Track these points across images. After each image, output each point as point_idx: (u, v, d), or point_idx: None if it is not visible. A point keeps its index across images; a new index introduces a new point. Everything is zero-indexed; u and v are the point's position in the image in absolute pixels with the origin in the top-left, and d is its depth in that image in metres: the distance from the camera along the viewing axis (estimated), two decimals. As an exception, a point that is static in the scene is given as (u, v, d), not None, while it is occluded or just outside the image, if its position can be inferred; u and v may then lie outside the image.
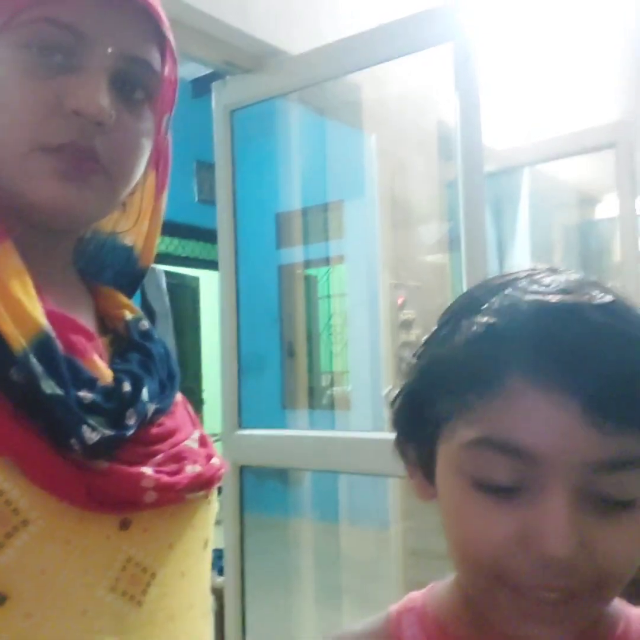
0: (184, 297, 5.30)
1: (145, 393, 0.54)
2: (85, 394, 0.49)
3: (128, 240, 0.64)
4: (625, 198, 2.36)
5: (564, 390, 0.41)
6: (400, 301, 2.29)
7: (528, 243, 2.94)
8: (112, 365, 0.55)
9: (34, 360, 0.47)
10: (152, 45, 0.55)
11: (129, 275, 0.65)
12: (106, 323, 0.61)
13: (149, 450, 0.53)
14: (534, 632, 0.44)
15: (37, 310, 0.49)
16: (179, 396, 0.63)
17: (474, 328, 0.45)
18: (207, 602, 0.60)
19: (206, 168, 4.55)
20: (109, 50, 0.51)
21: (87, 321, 0.58)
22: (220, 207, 1.93)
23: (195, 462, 0.56)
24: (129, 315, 0.61)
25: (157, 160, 0.61)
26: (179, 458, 0.55)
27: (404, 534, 2.32)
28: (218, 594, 1.86)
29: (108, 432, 0.49)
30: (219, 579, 1.84)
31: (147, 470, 0.51)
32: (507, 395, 0.42)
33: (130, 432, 0.51)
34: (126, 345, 0.59)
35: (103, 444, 0.48)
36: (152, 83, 0.55)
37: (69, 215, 0.53)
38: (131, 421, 0.51)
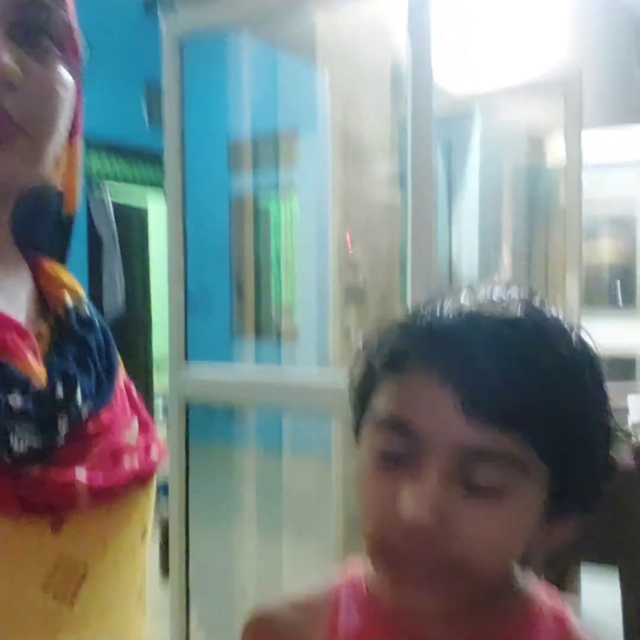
0: (132, 227, 5.17)
1: (79, 395, 0.52)
2: (14, 401, 0.47)
3: (59, 187, 0.61)
4: (571, 139, 2.39)
5: (445, 380, 0.47)
6: (348, 237, 2.29)
7: (477, 185, 2.96)
8: (46, 360, 0.54)
9: None
10: None
11: (61, 226, 0.63)
12: (48, 302, 0.59)
13: (83, 448, 0.52)
14: (412, 597, 0.50)
15: None
16: (120, 381, 0.61)
17: (399, 321, 0.53)
18: (143, 594, 0.60)
19: (156, 87, 4.38)
20: None
21: (22, 306, 0.56)
22: (168, 136, 1.85)
23: (133, 456, 0.55)
24: (69, 301, 0.59)
25: (75, 105, 0.57)
26: (115, 453, 0.54)
27: (344, 463, 2.39)
28: (164, 525, 1.89)
29: (36, 443, 0.48)
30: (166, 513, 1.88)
31: (81, 472, 0.50)
32: (404, 376, 0.49)
33: (61, 438, 0.50)
34: (65, 335, 0.57)
35: (33, 451, 0.48)
36: (56, 26, 0.52)
37: None
38: (62, 428, 0.50)
